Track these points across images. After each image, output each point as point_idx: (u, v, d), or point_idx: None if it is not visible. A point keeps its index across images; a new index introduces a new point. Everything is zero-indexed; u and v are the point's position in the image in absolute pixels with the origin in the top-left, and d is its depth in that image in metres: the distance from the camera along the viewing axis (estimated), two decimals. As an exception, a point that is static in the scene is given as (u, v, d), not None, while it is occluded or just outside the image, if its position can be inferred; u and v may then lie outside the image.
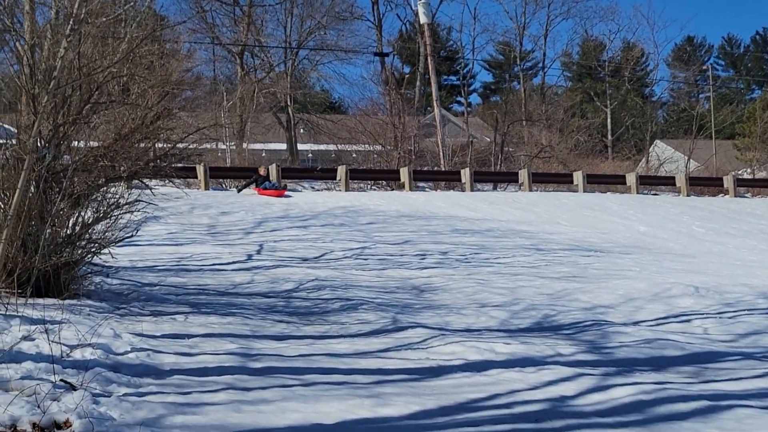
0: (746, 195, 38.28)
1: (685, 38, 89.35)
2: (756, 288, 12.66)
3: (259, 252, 16.83)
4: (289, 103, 54.64)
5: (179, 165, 17.46)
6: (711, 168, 56.73)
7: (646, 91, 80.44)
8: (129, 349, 7.03)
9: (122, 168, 10.59)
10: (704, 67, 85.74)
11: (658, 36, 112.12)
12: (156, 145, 12.29)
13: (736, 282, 13.52)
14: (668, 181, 40.70)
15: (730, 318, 10.13)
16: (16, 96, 9.94)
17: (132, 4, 11.84)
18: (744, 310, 10.66)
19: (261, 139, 53.71)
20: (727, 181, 39.19)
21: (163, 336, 8.07)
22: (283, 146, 55.42)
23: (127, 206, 10.79)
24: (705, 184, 40.57)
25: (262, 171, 27.32)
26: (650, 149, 69.07)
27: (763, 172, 51.81)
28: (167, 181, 14.68)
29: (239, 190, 27.58)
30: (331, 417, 5.06)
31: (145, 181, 11.66)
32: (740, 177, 43.93)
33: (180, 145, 13.28)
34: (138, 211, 10.97)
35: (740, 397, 5.88)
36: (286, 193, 25.70)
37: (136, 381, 5.81)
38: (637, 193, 36.22)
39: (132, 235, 11.01)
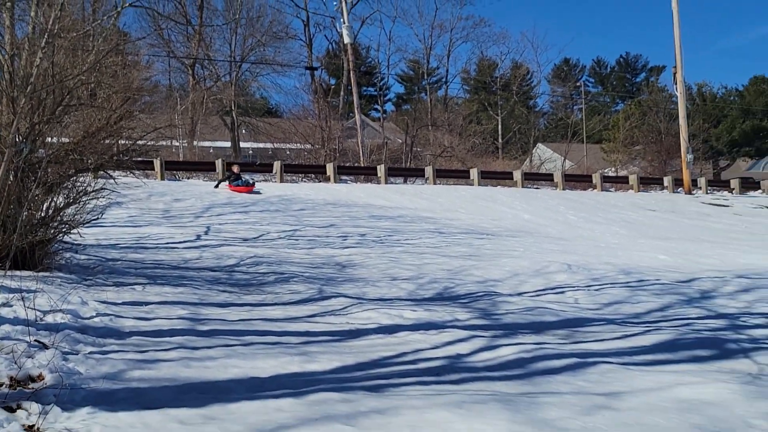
0: (611, 189, 39.14)
1: (563, 60, 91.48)
2: (617, 266, 12.99)
3: (206, 233, 16.72)
4: (233, 108, 55.24)
5: (139, 159, 17.85)
6: (582, 167, 58.15)
7: (530, 102, 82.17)
8: (94, 314, 7.01)
9: (89, 161, 10.60)
10: (578, 84, 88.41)
11: (541, 57, 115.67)
12: (119, 142, 12.23)
13: (601, 261, 13.84)
14: (547, 178, 41.35)
15: (596, 290, 10.37)
16: (-2, 98, 9.86)
17: (99, 21, 11.88)
18: (607, 283, 10.92)
19: (209, 137, 54.42)
20: (595, 178, 39.98)
21: (124, 303, 8.01)
22: (228, 144, 55.98)
23: (93, 193, 10.80)
24: (577, 180, 41.38)
25: (236, 169, 26.80)
26: (533, 151, 70.35)
27: (624, 171, 53.06)
28: (128, 173, 14.53)
29: (216, 186, 26.80)
30: (266, 372, 5.12)
31: (109, 172, 11.62)
32: (606, 175, 44.93)
33: (140, 142, 13.23)
34: (103, 197, 10.95)
35: (603, 354, 6.04)
36: (255, 188, 25.21)
37: (100, 341, 5.85)
38: (522, 187, 36.74)
39: (97, 218, 10.93)
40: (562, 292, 10.17)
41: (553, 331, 7.38)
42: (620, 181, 42.33)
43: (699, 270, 13.02)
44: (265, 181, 32.62)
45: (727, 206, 32.60)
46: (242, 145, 56.86)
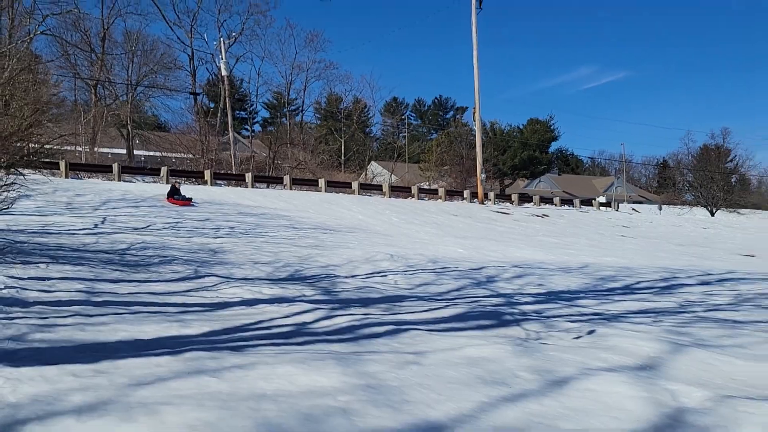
0: (425, 198, 40.15)
1: (392, 97, 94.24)
2: (427, 256, 13.39)
3: (102, 222, 15.88)
4: (129, 122, 53.46)
5: (46, 160, 16.88)
6: (405, 180, 59.72)
7: (366, 129, 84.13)
8: (2, 287, 6.62)
9: (2, 160, 10.11)
10: (402, 117, 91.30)
11: (376, 95, 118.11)
12: (29, 145, 11.64)
13: (415, 252, 14.20)
14: (378, 188, 41.98)
15: (410, 274, 10.61)
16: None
17: (14, 44, 11.33)
18: (419, 269, 11.21)
19: (108, 145, 52.42)
20: (414, 189, 41.05)
21: (29, 278, 7.53)
22: (124, 151, 53.97)
23: (5, 186, 10.26)
24: (400, 191, 42.13)
25: (176, 185, 25.09)
26: (368, 167, 71.74)
27: (435, 185, 54.66)
28: (37, 171, 13.74)
29: (167, 198, 24.69)
30: (150, 335, 5.02)
31: (20, 170, 10.95)
32: (421, 187, 46.16)
33: (47, 146, 12.63)
34: (14, 190, 10.37)
35: (414, 323, 6.19)
36: (192, 203, 23.73)
37: (6, 309, 5.58)
38: (359, 194, 37.18)
39: (8, 207, 10.38)
40: (385, 275, 10.35)
41: (377, 305, 7.49)
42: (432, 193, 43.49)
43: (486, 261, 13.56)
44: (154, 182, 31.67)
45: (509, 214, 34.09)
46: (136, 152, 55.03)
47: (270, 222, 19.71)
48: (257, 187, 35.28)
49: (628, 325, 6.46)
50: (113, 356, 4.21)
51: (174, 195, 23.98)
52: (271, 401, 3.54)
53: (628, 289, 9.66)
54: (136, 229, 15.35)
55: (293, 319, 6.06)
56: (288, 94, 65.94)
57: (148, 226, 16.00)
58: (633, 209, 47.70)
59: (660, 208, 57.30)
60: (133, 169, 37.59)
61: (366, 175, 68.90)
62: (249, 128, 72.58)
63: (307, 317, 6.23)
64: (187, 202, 23.55)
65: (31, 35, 42.29)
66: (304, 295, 7.81)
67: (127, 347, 4.61)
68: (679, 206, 68.00)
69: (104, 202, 20.40)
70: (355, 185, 39.53)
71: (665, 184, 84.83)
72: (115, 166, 32.46)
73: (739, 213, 67.58)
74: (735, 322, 7.11)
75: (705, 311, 7.88)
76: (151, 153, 53.96)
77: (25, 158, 11.30)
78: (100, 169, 34.43)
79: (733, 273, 13.43)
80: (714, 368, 4.76)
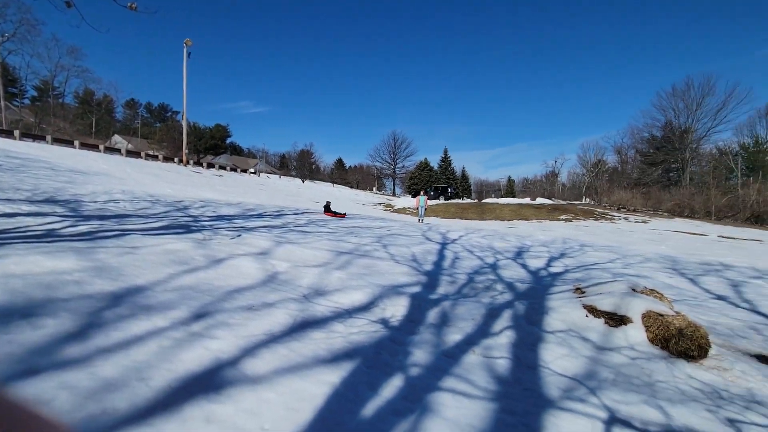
0: (149, 160, 34.20)
1: (131, 98, 77.50)
2: (148, 192, 11.42)
3: None
4: None
5: None
6: (138, 149, 50.18)
7: (112, 114, 67.67)
8: None
9: None
10: (138, 110, 75.13)
11: (119, 94, 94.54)
12: None
13: (140, 190, 12.04)
14: (118, 151, 33.65)
15: (135, 202, 8.98)
16: None
17: None
18: (142, 200, 9.51)
19: None
20: (143, 155, 34.61)
21: None
22: None
23: None
24: (134, 154, 34.83)
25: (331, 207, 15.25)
26: (112, 138, 58.25)
27: (157, 154, 47.37)
28: None
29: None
30: None
31: None
32: (148, 153, 39.14)
33: None
34: None
35: (134, 231, 5.42)
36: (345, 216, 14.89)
37: None
38: (104, 153, 30.15)
39: None
40: (118, 202, 8.79)
41: (110, 219, 6.29)
42: (155, 157, 36.30)
43: (185, 197, 11.65)
44: None
45: (201, 173, 30.78)
46: None
47: (34, 164, 15.06)
48: (24, 140, 26.32)
49: (257, 233, 6.53)
50: None
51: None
52: (20, 278, 3.15)
53: (260, 216, 9.77)
54: None
55: (46, 227, 5.02)
56: (52, 83, 50.99)
57: None
58: (267, 176, 49.25)
59: (279, 177, 58.30)
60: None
61: (110, 142, 56.70)
62: (19, 101, 54.27)
63: (56, 225, 5.19)
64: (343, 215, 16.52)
65: None
66: (56, 212, 6.47)
67: None
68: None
69: None
70: (101, 147, 32.00)
71: (284, 165, 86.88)
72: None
73: (316, 181, 70.12)
74: (305, 232, 7.59)
75: (294, 226, 8.34)
76: None
77: None
78: None
79: (309, 210, 14.68)
80: (294, 254, 5.25)
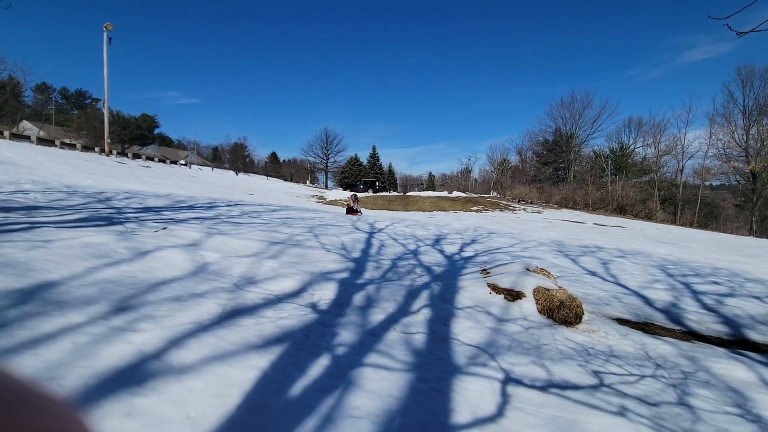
0: (66, 149, 29.32)
1: (42, 82, 64.17)
2: (64, 183, 9.78)
3: None
4: None
5: None
6: (52, 137, 42.25)
7: (20, 98, 55.80)
8: None
9: None
10: (51, 96, 63.01)
11: (28, 77, 78.72)
12: None
13: (54, 181, 10.28)
14: (28, 138, 28.42)
15: (48, 194, 7.71)
16: None
17: None
18: (56, 191, 8.22)
19: None
20: (57, 143, 29.32)
21: None
22: None
23: None
24: (48, 143, 29.60)
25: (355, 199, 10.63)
26: (20, 123, 48.31)
27: (75, 142, 40.48)
28: None
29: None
30: None
31: None
32: (64, 141, 33.26)
33: None
34: None
35: (47, 224, 4.64)
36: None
37: None
38: (10, 140, 24.89)
39: None
40: (27, 194, 7.31)
41: (18, 211, 5.17)
42: (72, 146, 31.55)
43: (106, 188, 10.31)
44: None
45: (125, 164, 26.87)
46: None
47: None
48: None
49: (187, 224, 5.85)
50: None
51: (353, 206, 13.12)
52: None
53: (191, 207, 8.87)
54: None
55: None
56: None
57: None
58: (200, 168, 44.79)
59: (212, 169, 54.08)
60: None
61: (17, 128, 46.56)
62: None
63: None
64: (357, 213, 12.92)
65: None
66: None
67: None
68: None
69: None
70: (7, 133, 26.27)
71: (217, 157, 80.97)
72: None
73: (250, 174, 67.34)
74: (238, 223, 6.76)
75: (226, 218, 7.53)
76: None
77: None
78: None
79: (242, 201, 13.16)
80: (225, 245, 4.78)
